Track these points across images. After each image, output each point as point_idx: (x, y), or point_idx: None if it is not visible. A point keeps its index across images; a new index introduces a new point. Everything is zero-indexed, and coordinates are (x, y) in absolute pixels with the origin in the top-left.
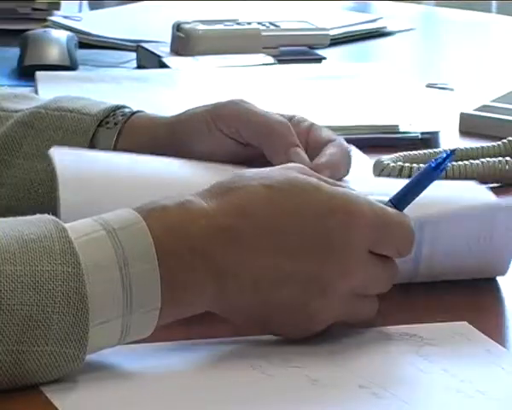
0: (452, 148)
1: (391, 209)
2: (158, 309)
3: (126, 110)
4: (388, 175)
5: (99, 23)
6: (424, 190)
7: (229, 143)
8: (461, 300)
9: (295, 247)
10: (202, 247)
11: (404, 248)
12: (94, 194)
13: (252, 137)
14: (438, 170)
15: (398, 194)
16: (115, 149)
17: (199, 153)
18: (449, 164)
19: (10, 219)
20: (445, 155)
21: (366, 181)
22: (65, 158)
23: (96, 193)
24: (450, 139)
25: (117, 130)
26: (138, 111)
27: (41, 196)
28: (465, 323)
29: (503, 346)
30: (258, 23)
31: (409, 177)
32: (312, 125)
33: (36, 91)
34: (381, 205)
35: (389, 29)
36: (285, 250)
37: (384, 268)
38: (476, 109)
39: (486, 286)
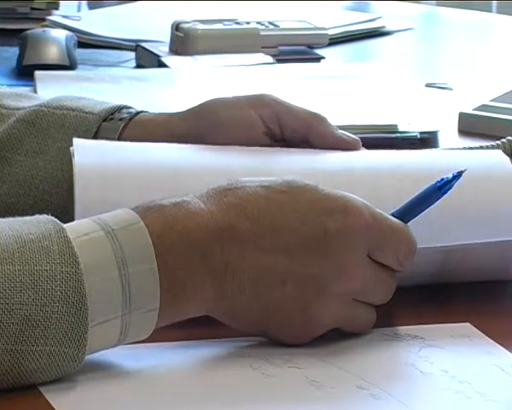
0: (460, 170)
1: (391, 217)
2: (157, 309)
3: (132, 109)
4: None
5: (98, 23)
6: (428, 209)
7: (260, 130)
8: (465, 301)
9: (293, 246)
10: (201, 245)
11: (405, 257)
12: (113, 189)
13: (297, 122)
14: (442, 190)
15: (401, 209)
16: (119, 141)
17: (226, 141)
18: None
19: (9, 219)
20: (451, 177)
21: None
22: (86, 152)
23: (117, 189)
24: (450, 139)
25: (122, 124)
26: (143, 111)
27: (41, 193)
28: (468, 324)
29: (507, 348)
30: (258, 22)
31: None
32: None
33: (35, 91)
34: (381, 211)
35: (388, 28)
36: (283, 250)
37: (383, 277)
38: (475, 109)
39: (492, 288)
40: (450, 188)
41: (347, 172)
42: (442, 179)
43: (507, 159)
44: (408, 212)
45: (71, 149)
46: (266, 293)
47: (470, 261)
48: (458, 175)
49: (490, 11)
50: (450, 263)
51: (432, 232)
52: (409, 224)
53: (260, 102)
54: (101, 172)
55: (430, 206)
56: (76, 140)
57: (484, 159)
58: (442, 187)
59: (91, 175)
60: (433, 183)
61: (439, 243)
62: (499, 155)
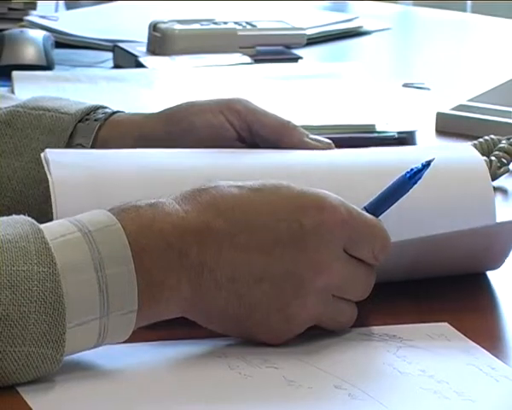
0: (429, 159)
1: (365, 212)
2: (135, 311)
3: (107, 110)
4: None
5: (75, 23)
6: (399, 200)
7: (232, 136)
8: (443, 301)
9: (269, 244)
10: (177, 245)
11: (380, 251)
12: (93, 198)
13: (268, 132)
14: (413, 180)
15: (373, 202)
16: (95, 141)
17: (196, 145)
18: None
19: None
20: (420, 166)
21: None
22: (60, 161)
23: (97, 197)
24: (427, 139)
25: (97, 124)
26: (119, 111)
27: (18, 194)
28: (445, 324)
29: (485, 348)
30: (235, 23)
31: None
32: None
33: (12, 91)
34: (355, 206)
35: (366, 28)
36: (259, 248)
37: (361, 272)
38: (453, 109)
39: (470, 288)
40: (419, 178)
41: (316, 170)
42: (412, 170)
43: (474, 149)
44: (380, 205)
45: (42, 157)
46: (243, 292)
47: (444, 252)
48: (427, 164)
49: (464, 11)
50: (426, 254)
51: (403, 224)
52: (381, 217)
53: (232, 110)
54: (78, 181)
55: (401, 197)
56: (48, 151)
57: (451, 149)
58: (412, 177)
59: (68, 184)
60: (403, 174)
61: (411, 236)
62: (466, 147)
